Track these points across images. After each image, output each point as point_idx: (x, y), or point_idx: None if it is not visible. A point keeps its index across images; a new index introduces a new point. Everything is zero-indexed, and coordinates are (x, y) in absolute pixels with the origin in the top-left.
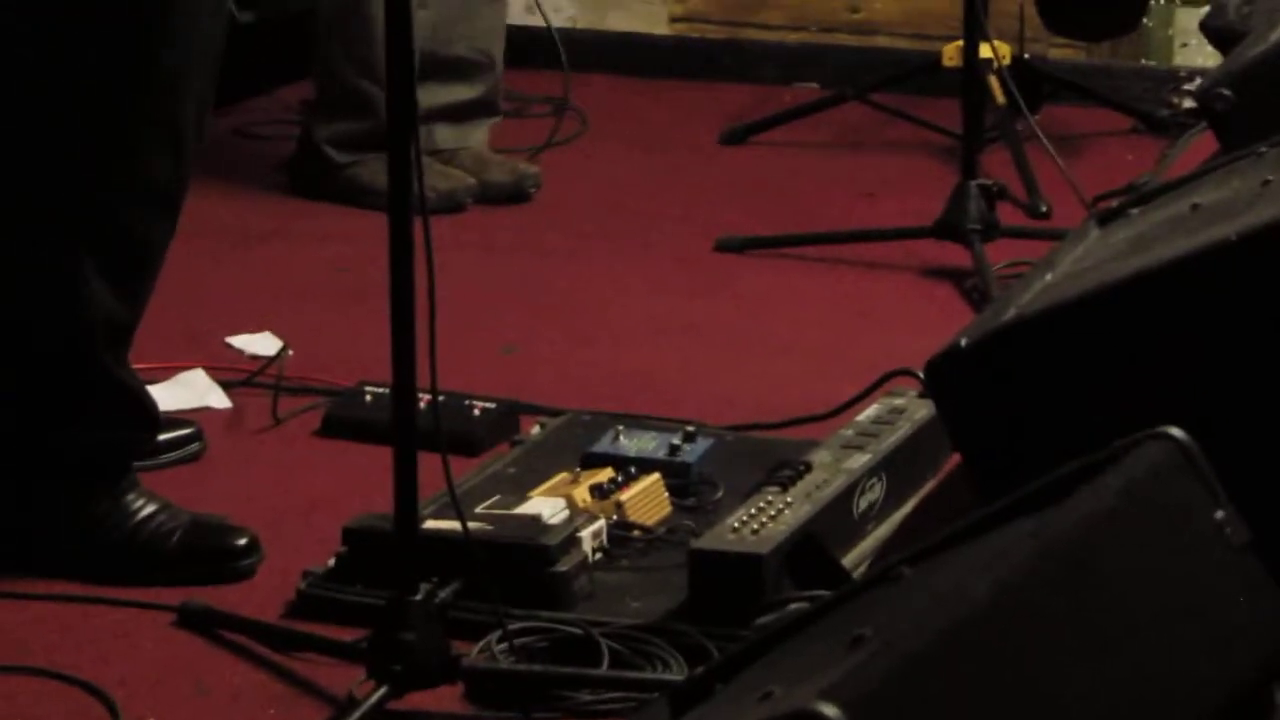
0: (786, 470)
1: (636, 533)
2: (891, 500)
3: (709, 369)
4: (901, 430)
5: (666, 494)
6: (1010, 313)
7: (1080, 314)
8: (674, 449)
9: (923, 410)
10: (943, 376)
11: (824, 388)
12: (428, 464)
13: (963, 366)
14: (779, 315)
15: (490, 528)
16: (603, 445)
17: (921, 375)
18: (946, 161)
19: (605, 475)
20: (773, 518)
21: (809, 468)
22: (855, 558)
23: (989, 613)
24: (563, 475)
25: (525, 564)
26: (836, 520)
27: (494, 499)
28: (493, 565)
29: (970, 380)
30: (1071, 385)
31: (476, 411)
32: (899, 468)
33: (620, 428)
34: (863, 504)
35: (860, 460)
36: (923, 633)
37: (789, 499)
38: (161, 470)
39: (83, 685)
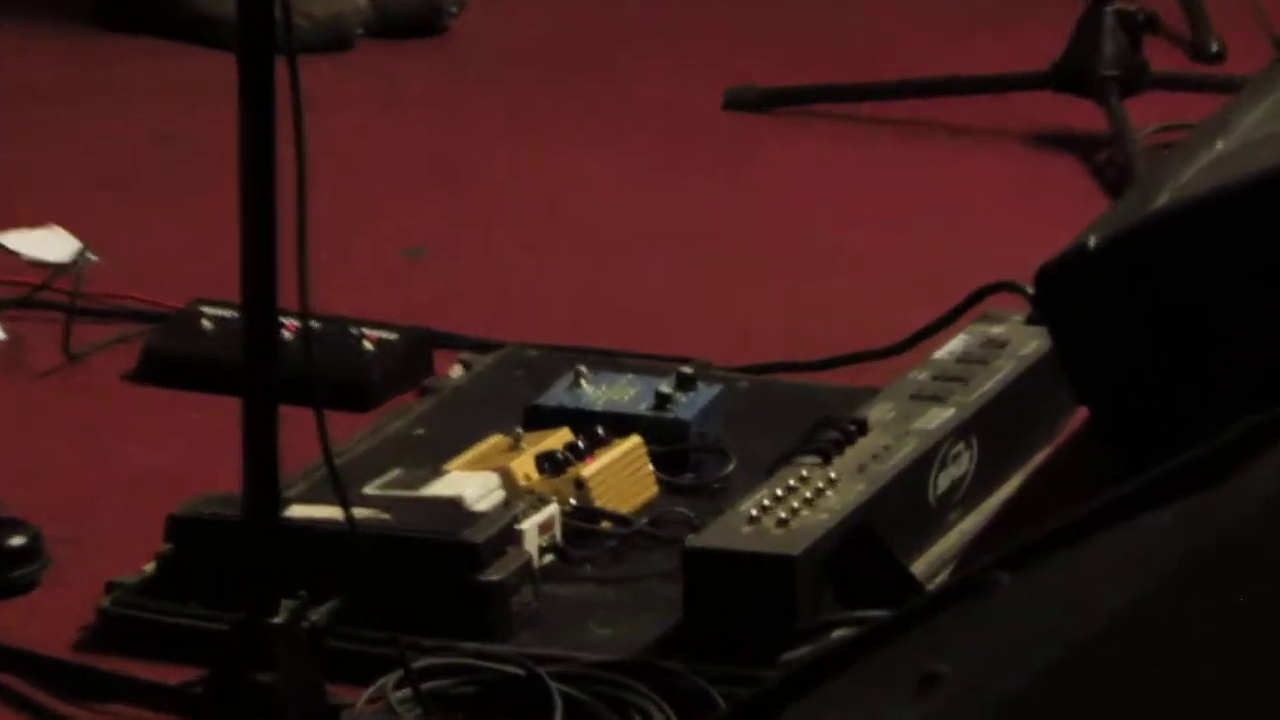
0: (830, 432)
1: (606, 524)
2: (985, 476)
3: (713, 285)
4: (1001, 372)
5: (651, 467)
6: (1162, 198)
7: (1264, 201)
8: (663, 400)
9: (1031, 343)
10: (1061, 291)
11: (885, 311)
12: (295, 422)
13: (1090, 276)
14: (818, 206)
15: (387, 517)
16: (556, 394)
17: (1030, 290)
18: None
19: (560, 439)
20: (809, 502)
21: (863, 428)
22: (930, 560)
23: (1121, 639)
24: (496, 439)
25: (439, 570)
26: (903, 505)
27: (393, 474)
28: (391, 572)
29: (1101, 296)
30: (1247, 304)
31: (368, 344)
32: (996, 428)
33: (582, 369)
34: (942, 482)
35: (939, 417)
36: (1024, 669)
37: (833, 474)
38: None
39: None
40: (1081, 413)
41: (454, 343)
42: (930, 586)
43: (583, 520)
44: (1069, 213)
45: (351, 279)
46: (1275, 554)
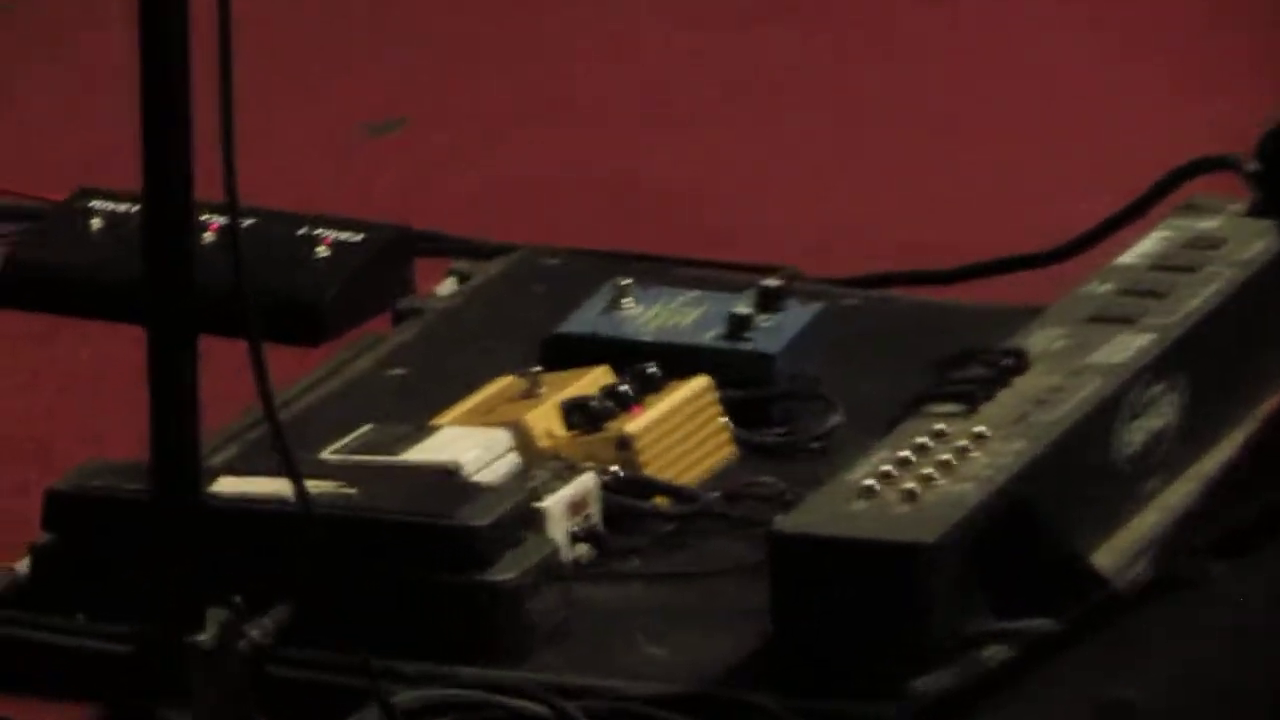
0: (975, 368)
1: (661, 500)
2: (1193, 429)
3: (805, 169)
4: (1214, 284)
5: (723, 420)
6: None
7: None
8: (738, 325)
9: (1255, 242)
10: None
11: (1044, 203)
12: (221, 359)
13: None
14: (950, 72)
15: (353, 492)
16: (588, 318)
17: (1250, 167)
18: None
19: (595, 381)
20: (947, 467)
21: (1021, 363)
22: (1118, 548)
23: None
24: (505, 382)
25: (427, 568)
26: (1080, 471)
27: (362, 432)
28: (359, 570)
29: None
30: None
31: (322, 249)
32: (1209, 362)
33: (624, 282)
34: (1134, 437)
35: (1128, 346)
36: (1246, 698)
37: (980, 428)
38: None
39: None
40: None
41: (442, 246)
42: (1116, 584)
43: (629, 495)
44: None
45: (298, 162)
46: None
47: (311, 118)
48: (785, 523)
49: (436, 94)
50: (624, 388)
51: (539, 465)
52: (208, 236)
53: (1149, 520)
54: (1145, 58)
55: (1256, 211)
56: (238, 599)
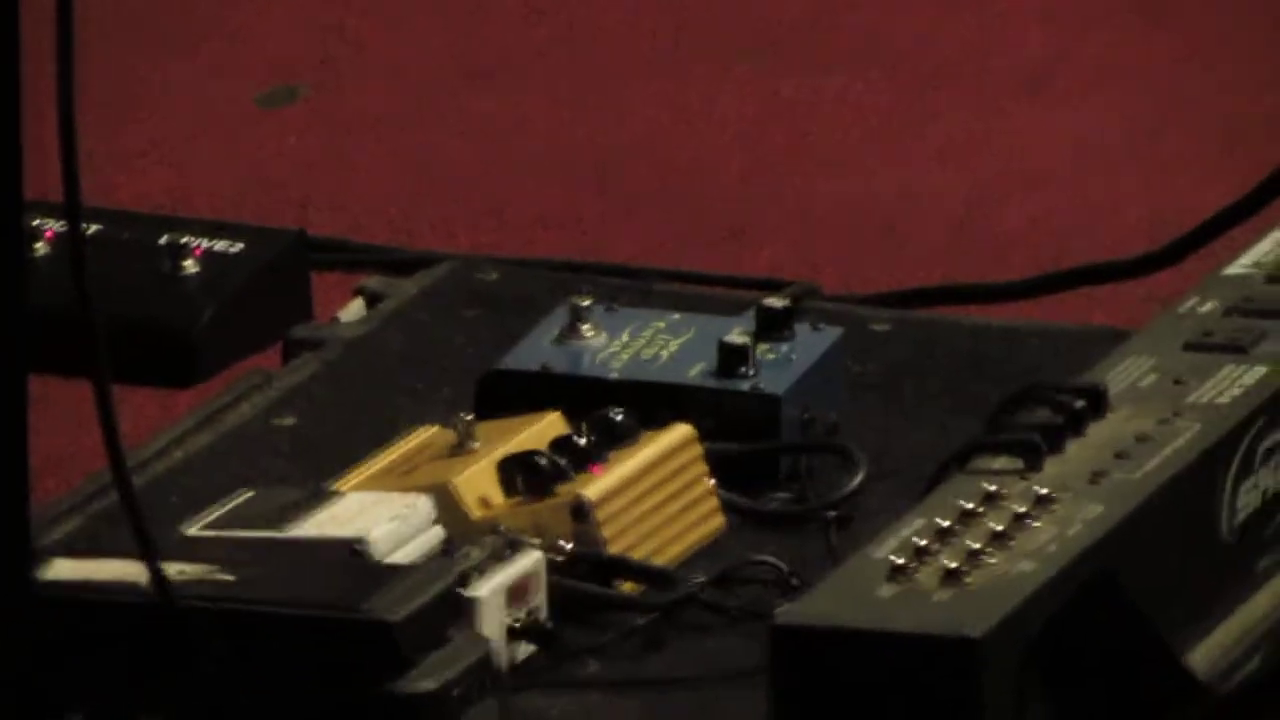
0: (1039, 410)
1: (629, 585)
2: None
3: (818, 152)
4: None
5: (711, 482)
6: None
7: None
8: (733, 357)
9: None
10: None
11: (1122, 198)
12: (60, 403)
13: None
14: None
15: (229, 579)
16: (537, 349)
17: None
18: None
19: (544, 432)
20: (1001, 540)
21: (1098, 404)
22: (1224, 641)
23: None
24: (428, 433)
25: (327, 674)
26: (1175, 544)
27: (241, 498)
28: (237, 678)
29: None
30: None
31: (192, 262)
32: None
33: (583, 301)
34: (1245, 500)
35: (1238, 382)
36: None
37: (1045, 489)
38: None
39: None
40: None
41: (347, 256)
42: (1218, 688)
43: (587, 579)
44: None
45: (164, 146)
46: None
47: (183, 86)
48: (791, 613)
49: (344, 54)
50: (581, 440)
51: (471, 541)
52: (40, 247)
53: (1261, 606)
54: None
55: None
56: (77, 718)
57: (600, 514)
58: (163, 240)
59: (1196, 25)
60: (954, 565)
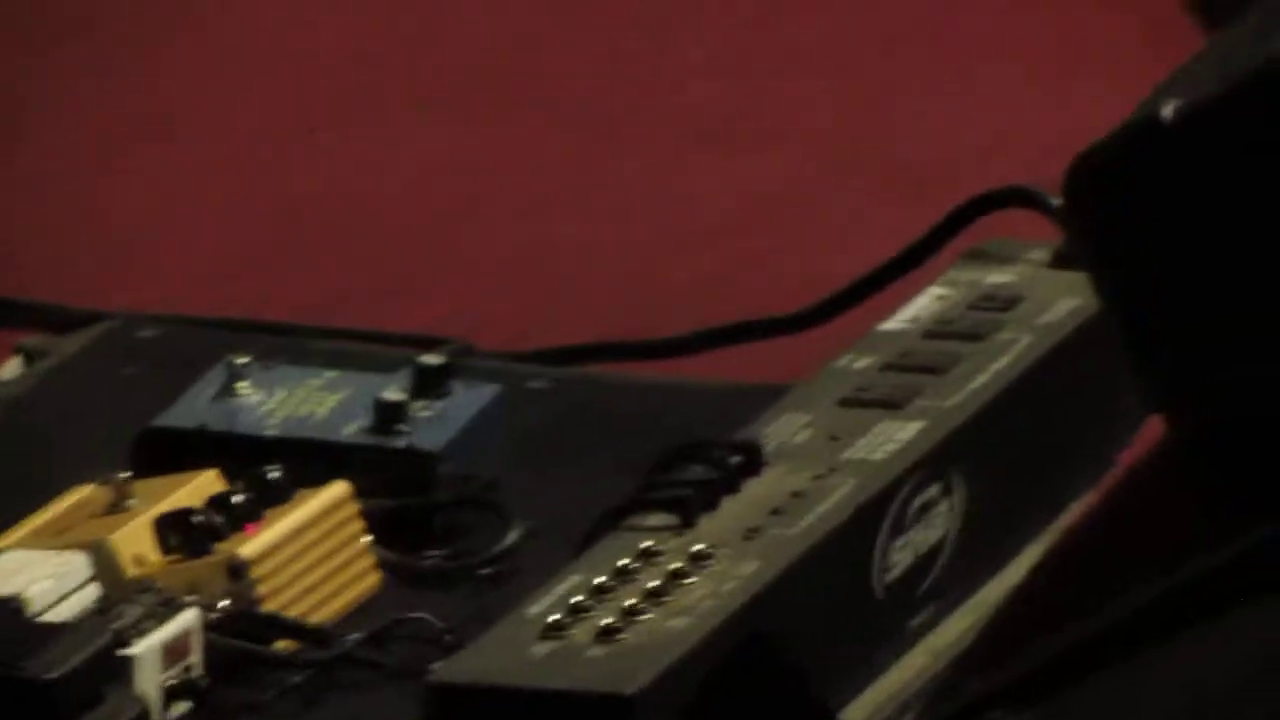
0: (695, 468)
1: (286, 643)
2: (977, 546)
3: (491, 204)
4: (1007, 356)
5: (367, 539)
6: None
7: None
8: (389, 413)
9: (1063, 300)
10: (1115, 202)
11: (790, 248)
12: None
13: (1165, 172)
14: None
15: None
16: (194, 406)
17: (1056, 203)
18: None
19: (201, 490)
20: (657, 598)
21: (755, 461)
22: (876, 699)
23: None
24: (84, 492)
25: None
26: (829, 601)
27: None
28: None
29: (1184, 207)
30: None
31: None
32: (998, 459)
33: (241, 359)
34: (898, 557)
35: (893, 439)
36: None
37: (701, 545)
38: None
39: None
40: (1153, 426)
41: (6, 314)
42: None
43: (244, 637)
44: (1123, 64)
45: None
46: None
47: None
48: (446, 671)
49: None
50: (238, 498)
51: (127, 599)
52: None
53: (916, 664)
54: (934, 57)
55: (1064, 261)
56: None
57: (256, 572)
58: None
59: (872, 77)
60: (609, 622)
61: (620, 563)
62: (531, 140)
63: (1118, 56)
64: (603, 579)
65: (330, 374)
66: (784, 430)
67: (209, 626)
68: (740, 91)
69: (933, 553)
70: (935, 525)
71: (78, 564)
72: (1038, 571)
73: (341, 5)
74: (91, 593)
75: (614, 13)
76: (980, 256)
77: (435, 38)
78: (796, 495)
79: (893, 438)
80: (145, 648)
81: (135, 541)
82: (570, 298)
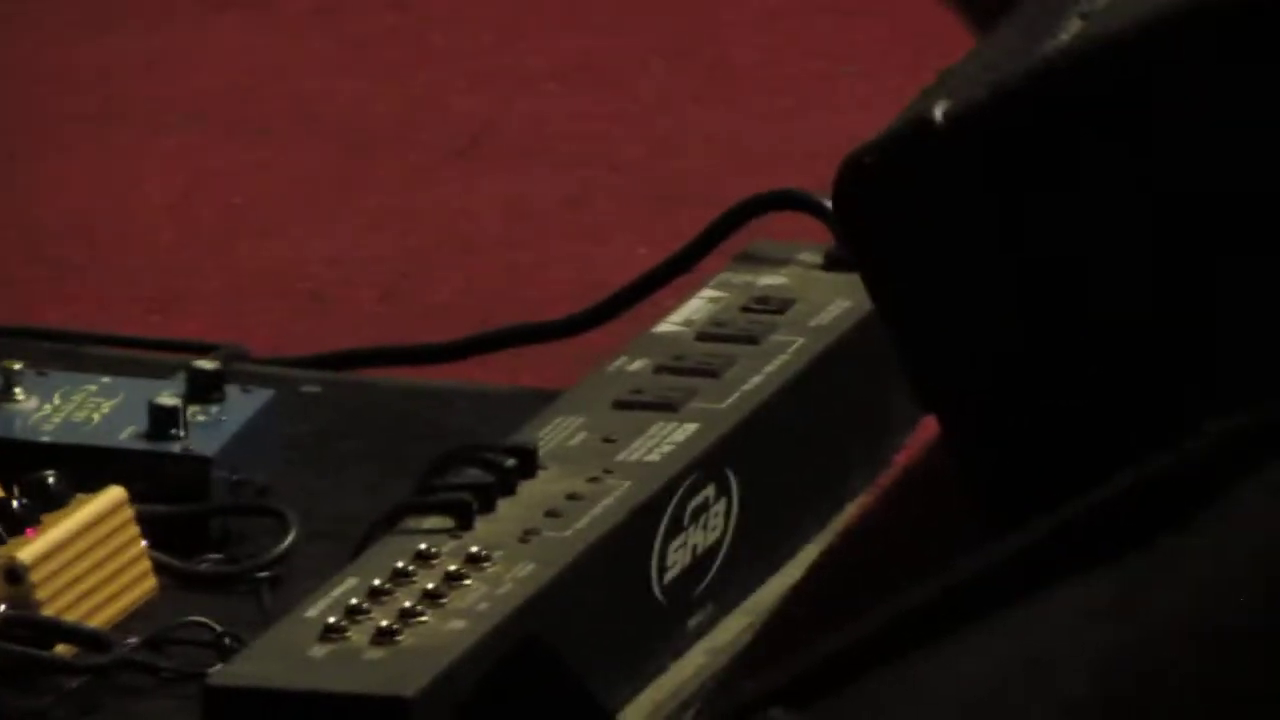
0: (469, 471)
1: (64, 648)
2: (753, 547)
3: (247, 220)
4: (779, 358)
5: (143, 544)
6: (1067, 30)
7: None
8: (164, 419)
9: (834, 303)
10: (886, 205)
11: (559, 250)
12: None
13: (939, 175)
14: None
15: None
16: None
17: (827, 205)
18: None
19: None
20: (433, 599)
21: (529, 464)
22: (655, 698)
23: None
24: None
25: None
26: (605, 603)
27: None
28: None
29: (959, 211)
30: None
31: None
32: (774, 461)
33: (14, 365)
34: (675, 558)
35: (668, 441)
36: None
37: (476, 548)
38: None
39: None
40: (928, 425)
41: None
42: None
43: (23, 642)
44: (889, 62)
45: None
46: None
47: None
48: (223, 674)
49: None
50: (15, 503)
51: None
52: None
53: (695, 663)
54: (704, 50)
55: (835, 263)
56: None
57: (34, 576)
58: None
59: (629, 89)
60: (386, 624)
61: (397, 565)
62: (282, 159)
63: (881, 62)
64: (379, 581)
65: (105, 380)
66: (558, 433)
67: None
68: (501, 105)
69: (710, 553)
70: (712, 526)
71: None
72: (815, 571)
73: (100, 24)
74: None
75: (372, 28)
76: (752, 259)
77: (191, 55)
78: (572, 497)
79: (668, 439)
80: None
81: None
82: (333, 310)
